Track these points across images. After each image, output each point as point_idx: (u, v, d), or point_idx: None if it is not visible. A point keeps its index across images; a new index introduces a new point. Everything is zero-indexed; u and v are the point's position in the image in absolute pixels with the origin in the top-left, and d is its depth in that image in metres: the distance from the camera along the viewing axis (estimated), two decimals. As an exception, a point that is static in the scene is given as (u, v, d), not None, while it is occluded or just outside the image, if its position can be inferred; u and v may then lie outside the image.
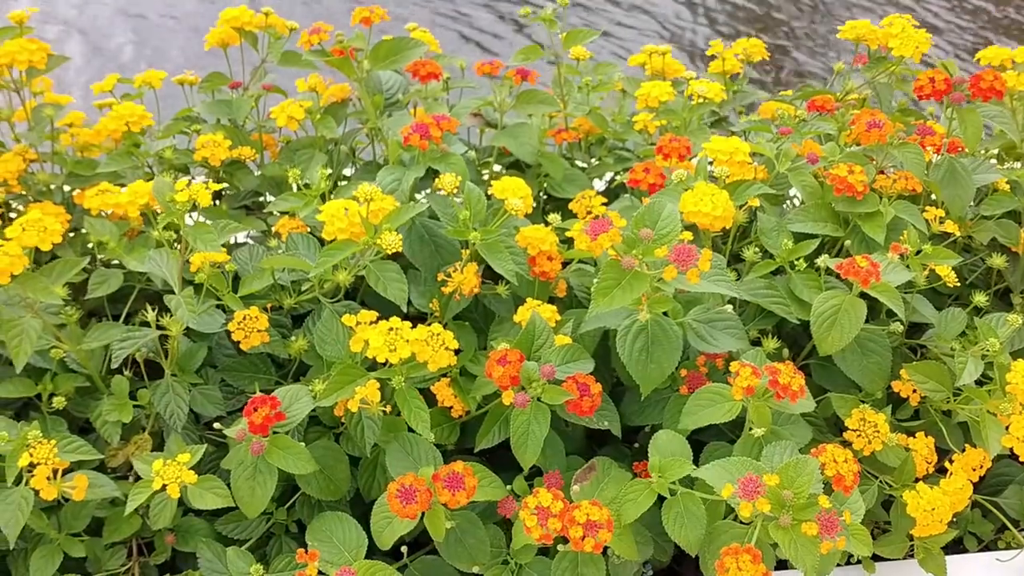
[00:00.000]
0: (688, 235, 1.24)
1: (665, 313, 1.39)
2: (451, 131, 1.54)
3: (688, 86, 1.77)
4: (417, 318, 1.68)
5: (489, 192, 1.51)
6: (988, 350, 1.45)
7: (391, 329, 1.34)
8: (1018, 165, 2.05)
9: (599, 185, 2.09)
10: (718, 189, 1.40)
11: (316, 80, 1.79)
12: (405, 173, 1.54)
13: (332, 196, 1.64)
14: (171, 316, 1.49)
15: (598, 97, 2.11)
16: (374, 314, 1.39)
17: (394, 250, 1.38)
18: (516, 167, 1.97)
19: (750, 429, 1.35)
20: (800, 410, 1.37)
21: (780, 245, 1.59)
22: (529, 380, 1.34)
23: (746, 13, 5.54)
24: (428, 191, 1.69)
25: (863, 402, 1.60)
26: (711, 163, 1.56)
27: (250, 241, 1.91)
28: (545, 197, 1.99)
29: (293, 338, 1.56)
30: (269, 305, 1.65)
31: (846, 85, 1.99)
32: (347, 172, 2.00)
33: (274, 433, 1.37)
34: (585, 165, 2.04)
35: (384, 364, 1.33)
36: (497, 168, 2.00)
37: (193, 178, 1.90)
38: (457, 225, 1.45)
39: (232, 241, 1.92)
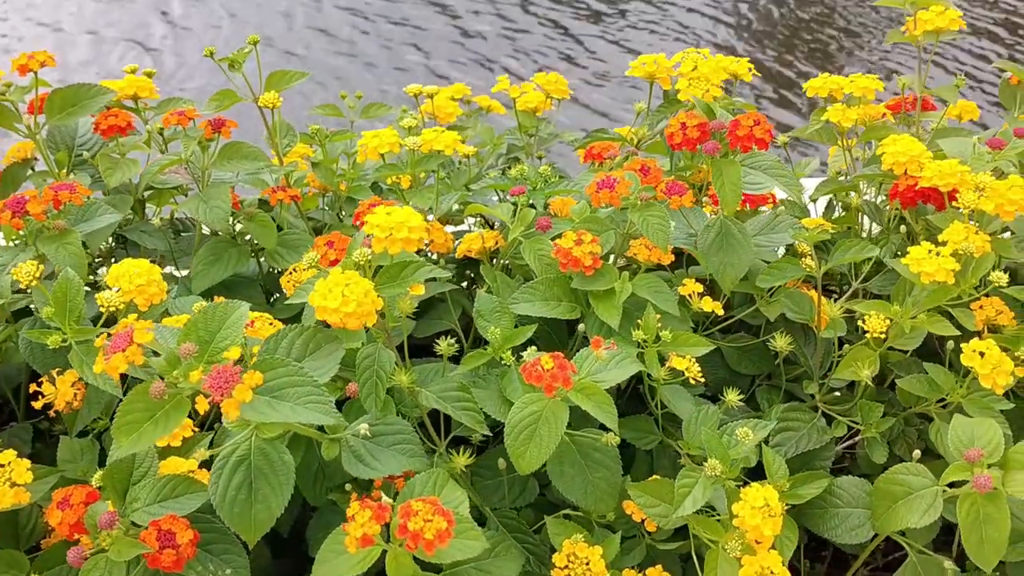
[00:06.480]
0: (235, 352, 0.95)
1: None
2: (75, 203, 1.26)
3: (417, 134, 1.48)
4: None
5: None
6: (714, 472, 1.15)
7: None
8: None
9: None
10: (357, 277, 1.11)
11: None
12: (15, 257, 1.26)
13: None
14: None
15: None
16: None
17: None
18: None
19: None
20: (451, 559, 1.08)
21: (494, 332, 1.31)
22: (96, 529, 1.06)
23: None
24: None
25: (604, 524, 1.31)
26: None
27: None
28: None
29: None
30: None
31: (638, 131, 1.70)
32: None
33: None
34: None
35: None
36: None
37: None
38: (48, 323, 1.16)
39: None
